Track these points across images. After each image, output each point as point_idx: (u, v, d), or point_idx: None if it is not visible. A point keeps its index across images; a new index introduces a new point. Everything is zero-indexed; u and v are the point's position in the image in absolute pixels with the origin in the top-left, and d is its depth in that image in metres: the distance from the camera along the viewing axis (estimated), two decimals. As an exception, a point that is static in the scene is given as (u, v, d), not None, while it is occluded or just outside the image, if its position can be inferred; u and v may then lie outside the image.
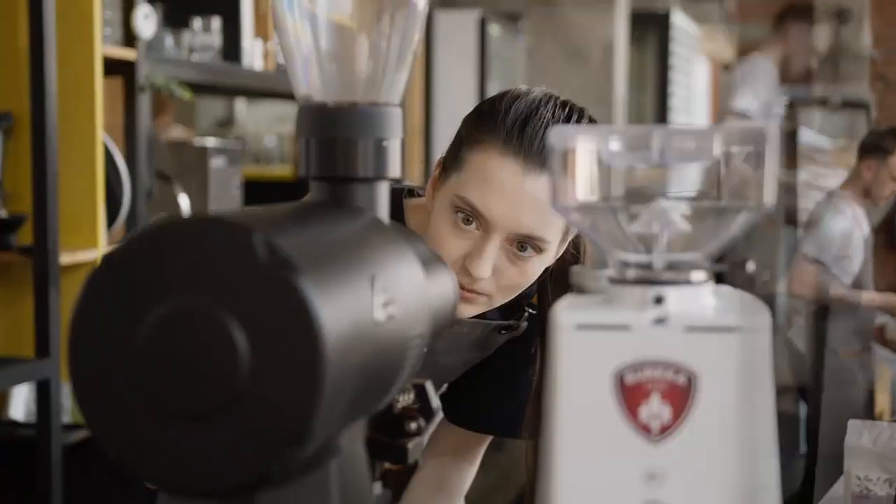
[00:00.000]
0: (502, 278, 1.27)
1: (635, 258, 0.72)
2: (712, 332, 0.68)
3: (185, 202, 2.91)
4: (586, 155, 0.72)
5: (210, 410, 0.61)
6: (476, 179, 1.24)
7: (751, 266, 3.48)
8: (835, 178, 4.52)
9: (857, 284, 4.35)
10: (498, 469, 3.14)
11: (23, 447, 2.40)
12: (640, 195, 0.74)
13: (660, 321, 0.68)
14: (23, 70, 2.37)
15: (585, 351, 0.69)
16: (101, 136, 2.48)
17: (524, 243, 1.25)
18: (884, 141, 4.38)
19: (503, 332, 1.42)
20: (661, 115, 7.44)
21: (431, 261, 0.86)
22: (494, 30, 5.22)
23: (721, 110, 4.54)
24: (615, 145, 0.71)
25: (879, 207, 4.25)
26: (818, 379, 4.16)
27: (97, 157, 2.48)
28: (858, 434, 1.92)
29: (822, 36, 4.55)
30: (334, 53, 0.82)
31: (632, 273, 0.72)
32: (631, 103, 6.80)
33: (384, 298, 0.70)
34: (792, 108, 4.55)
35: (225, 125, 5.58)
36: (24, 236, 2.38)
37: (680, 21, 7.50)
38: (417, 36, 0.85)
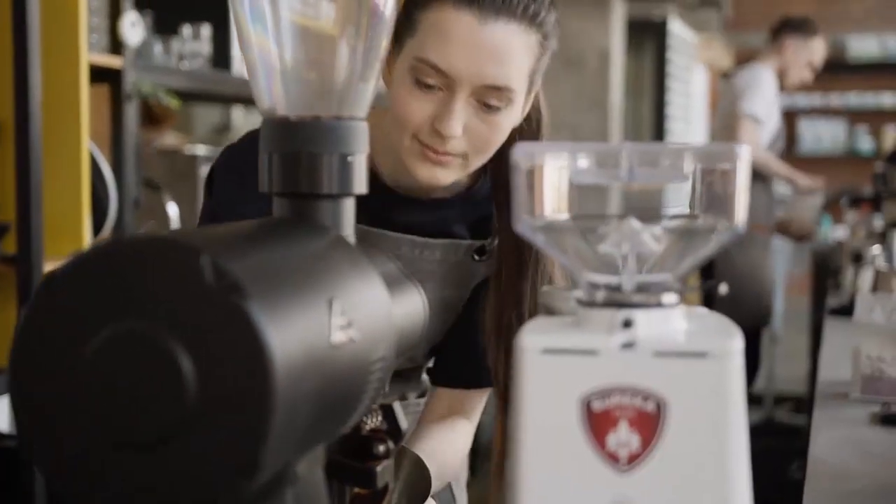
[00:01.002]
0: (473, 136, 1.24)
1: (604, 279, 0.70)
2: (682, 357, 0.65)
3: (173, 211, 2.89)
4: (553, 172, 0.69)
5: (155, 438, 0.59)
6: (433, 37, 1.22)
7: (723, 288, 3.47)
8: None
9: (772, 149, 4.52)
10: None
11: (6, 457, 2.38)
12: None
13: (628, 346, 0.66)
14: (7, 77, 2.35)
15: (551, 376, 0.67)
16: (86, 143, 2.46)
17: (490, 98, 1.22)
18: (806, 24, 4.50)
19: (476, 256, 1.39)
20: (659, 122, 7.42)
21: (398, 279, 0.83)
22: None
23: (721, 113, 4.55)
24: (583, 163, 0.69)
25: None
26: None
27: (83, 164, 2.45)
28: (869, 308, 1.80)
29: (821, 49, 4.57)
30: (298, 66, 0.80)
31: (601, 295, 0.69)
32: (628, 111, 6.78)
33: (343, 321, 0.68)
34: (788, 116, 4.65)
35: (221, 132, 5.56)
36: (8, 245, 2.35)
37: (677, 29, 7.49)
38: (384, 45, 0.83)
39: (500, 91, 1.22)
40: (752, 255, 4.39)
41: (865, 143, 10.04)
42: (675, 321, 0.68)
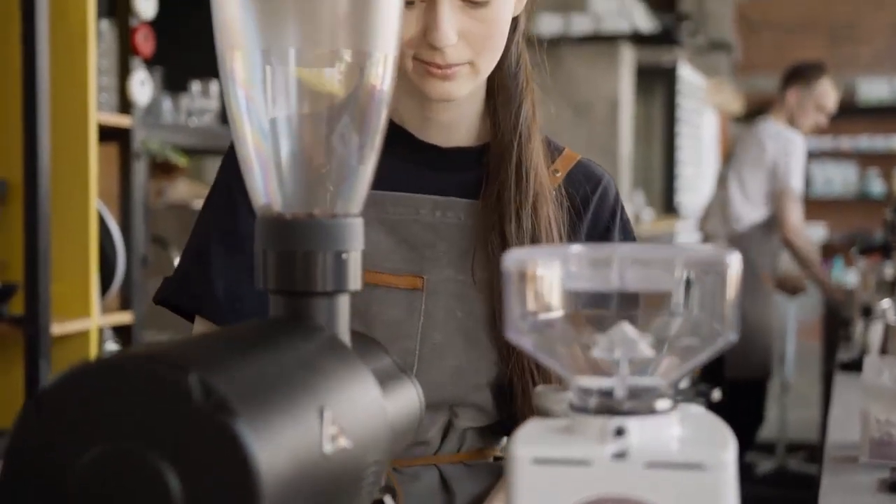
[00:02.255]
0: (471, 38, 1.16)
1: (596, 383, 0.69)
2: (675, 469, 0.65)
3: (181, 267, 2.89)
4: (544, 278, 0.69)
5: (143, 558, 0.58)
6: None
7: (716, 395, 3.51)
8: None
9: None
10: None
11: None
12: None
13: (620, 456, 0.65)
14: (17, 138, 2.36)
15: (543, 486, 0.66)
16: (94, 203, 2.47)
17: None
18: (808, 71, 4.50)
19: None
20: (669, 167, 7.42)
21: (392, 374, 0.83)
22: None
23: (745, 166, 4.53)
24: (574, 268, 0.69)
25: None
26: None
27: (91, 225, 2.46)
28: (877, 371, 1.77)
29: (829, 92, 4.57)
30: (293, 164, 0.80)
31: (593, 401, 0.69)
32: (638, 156, 6.79)
33: (334, 430, 0.67)
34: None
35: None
36: (16, 306, 2.36)
37: (687, 74, 7.51)
38: (378, 139, 0.83)
39: None
40: (759, 305, 4.38)
41: (876, 186, 10.03)
42: (668, 428, 0.68)
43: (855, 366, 2.78)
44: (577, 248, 0.71)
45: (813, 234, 10.12)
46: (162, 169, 3.44)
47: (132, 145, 2.63)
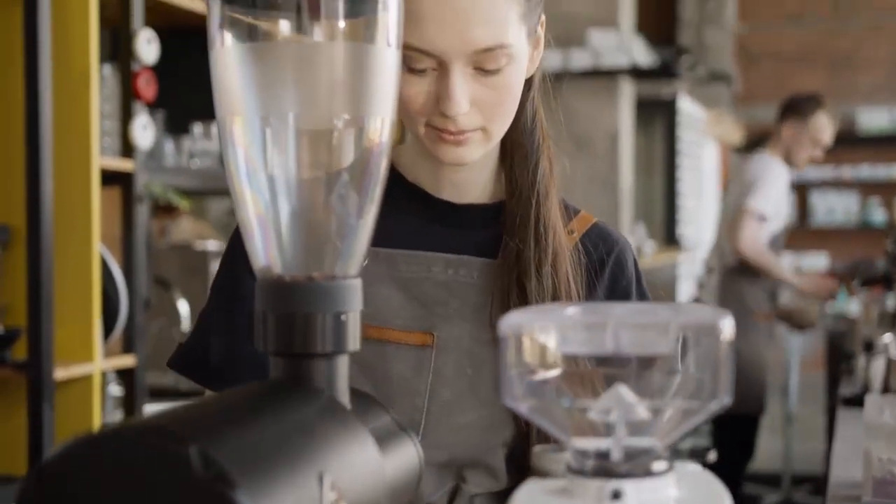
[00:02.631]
0: (483, 106, 1.15)
1: (593, 445, 0.70)
2: (671, 531, 0.66)
3: (184, 308, 2.90)
4: (539, 342, 0.70)
5: None
6: (406, 20, 1.13)
7: (712, 456, 3.52)
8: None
9: (773, 246, 4.49)
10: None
11: None
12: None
13: (617, 519, 0.66)
14: (20, 183, 2.38)
15: (541, 550, 0.67)
16: (97, 248, 2.48)
17: (486, 62, 1.13)
18: (803, 104, 4.48)
19: None
20: (670, 199, 7.44)
21: (391, 433, 0.84)
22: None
23: (732, 199, 4.54)
24: (569, 332, 0.69)
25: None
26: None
27: (93, 269, 2.47)
28: (878, 409, 1.76)
29: (826, 126, 4.58)
30: (293, 227, 0.81)
31: (589, 463, 0.69)
32: (639, 188, 6.80)
33: (334, 495, 0.68)
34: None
35: (234, 214, 5.61)
36: (19, 350, 2.37)
37: (686, 106, 7.54)
38: (376, 200, 0.84)
39: (494, 51, 1.12)
40: (753, 343, 4.37)
41: (878, 215, 10.05)
42: (665, 489, 0.68)
43: (858, 401, 2.78)
44: (572, 311, 0.72)
45: (815, 263, 10.15)
46: (165, 208, 3.45)
47: (134, 189, 2.64)
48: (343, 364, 0.81)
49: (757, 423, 4.54)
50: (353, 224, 0.82)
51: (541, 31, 1.23)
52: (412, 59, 1.13)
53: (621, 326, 0.69)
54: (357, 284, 0.82)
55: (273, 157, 0.80)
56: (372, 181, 0.83)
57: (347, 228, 0.82)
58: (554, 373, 0.71)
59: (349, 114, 0.80)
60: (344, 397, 0.81)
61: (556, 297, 1.21)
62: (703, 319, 0.69)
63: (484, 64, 1.13)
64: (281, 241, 0.81)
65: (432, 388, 1.21)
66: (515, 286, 1.22)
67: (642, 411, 0.70)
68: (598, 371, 0.71)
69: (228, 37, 0.79)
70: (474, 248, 1.25)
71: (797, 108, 4.49)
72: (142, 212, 2.67)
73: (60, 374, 2.39)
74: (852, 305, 8.12)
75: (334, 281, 0.80)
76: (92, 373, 2.49)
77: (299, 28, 0.85)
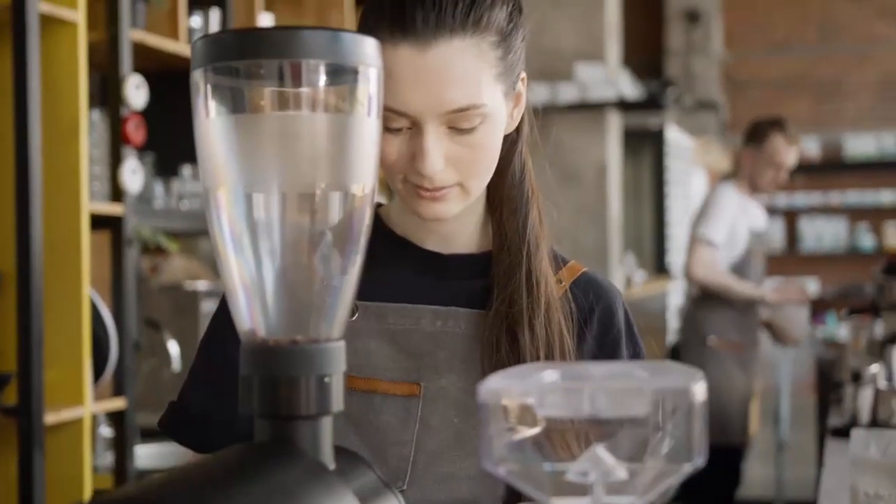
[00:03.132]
0: (459, 163, 1.16)
1: (573, 506, 0.72)
2: None
3: (174, 349, 2.91)
4: (518, 407, 0.72)
5: None
6: (384, 82, 1.16)
7: None
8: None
9: (739, 273, 4.40)
10: None
11: None
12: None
13: (595, 582, 0.68)
14: (9, 228, 2.40)
15: None
16: (87, 292, 2.49)
17: (460, 121, 1.14)
18: (759, 129, 4.44)
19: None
20: (659, 227, 7.48)
21: (376, 491, 0.85)
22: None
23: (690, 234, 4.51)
24: (548, 398, 0.71)
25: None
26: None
27: (83, 314, 2.49)
28: (864, 444, 1.76)
29: (782, 148, 4.46)
30: (276, 292, 0.83)
31: (569, 525, 0.71)
32: (629, 217, 6.84)
33: (318, 560, 0.70)
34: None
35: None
36: (9, 396, 2.37)
37: (674, 136, 7.59)
38: (359, 265, 0.86)
39: (467, 111, 1.14)
40: (724, 373, 4.33)
41: (867, 241, 10.10)
42: (641, 550, 0.70)
43: (846, 431, 2.79)
44: (550, 375, 0.74)
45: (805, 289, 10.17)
46: (156, 246, 3.47)
47: (124, 233, 2.66)
48: (327, 425, 0.83)
49: (741, 453, 4.53)
50: (336, 288, 0.84)
51: (521, 88, 1.24)
52: (387, 118, 1.15)
53: (598, 390, 0.71)
54: (340, 347, 0.84)
55: (257, 225, 0.82)
56: (353, 245, 0.85)
57: (330, 292, 0.84)
58: (532, 436, 0.73)
59: (331, 182, 0.82)
60: (328, 458, 0.82)
61: (549, 348, 1.22)
62: (676, 384, 0.71)
63: (458, 123, 1.15)
64: (265, 305, 0.83)
65: (418, 438, 1.22)
66: (506, 337, 1.22)
67: (620, 472, 0.71)
68: (576, 432, 0.73)
69: (213, 108, 0.81)
70: (463, 299, 1.26)
71: (753, 133, 4.46)
72: (131, 255, 2.68)
73: (51, 418, 2.39)
74: (841, 331, 8.15)
75: (318, 344, 0.82)
76: (82, 416, 2.49)
77: (282, 98, 0.88)
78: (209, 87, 0.81)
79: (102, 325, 2.57)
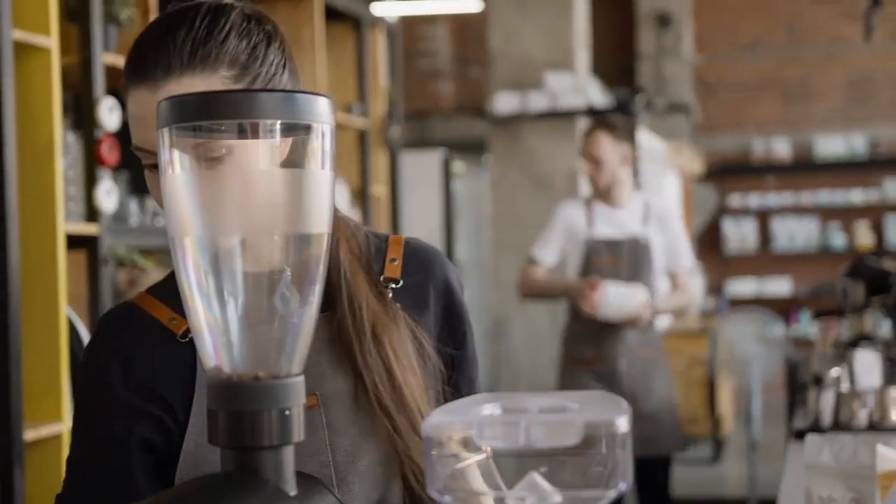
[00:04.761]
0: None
1: (512, 529, 0.79)
2: None
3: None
4: (459, 440, 0.79)
5: None
6: (130, 123, 1.22)
7: None
8: None
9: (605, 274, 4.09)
10: None
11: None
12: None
13: None
14: (-14, 250, 2.45)
15: None
16: (64, 311, 2.55)
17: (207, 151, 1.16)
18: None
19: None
20: (632, 231, 7.55)
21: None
22: (458, 167, 5.35)
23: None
24: (486, 431, 0.78)
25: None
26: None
27: (61, 332, 2.54)
28: (818, 450, 1.82)
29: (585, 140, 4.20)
30: (239, 331, 0.89)
31: (507, 546, 0.78)
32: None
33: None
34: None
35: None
36: (-12, 414, 2.43)
37: (646, 140, 7.67)
38: (315, 306, 0.92)
39: (205, 145, 1.15)
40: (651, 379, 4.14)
41: (838, 240, 10.23)
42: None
43: (807, 433, 2.86)
44: (488, 410, 0.81)
45: (777, 288, 10.31)
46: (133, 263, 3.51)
47: (100, 252, 2.72)
48: (289, 454, 0.90)
49: (669, 465, 4.34)
50: (295, 325, 0.91)
51: None
52: (143, 157, 1.22)
53: (533, 423, 0.78)
54: (300, 381, 0.90)
55: (220, 269, 0.89)
56: (311, 285, 0.91)
57: (290, 330, 0.91)
58: (473, 466, 0.80)
59: (289, 228, 0.89)
60: (290, 484, 0.89)
61: (388, 369, 1.27)
62: (603, 416, 0.78)
63: (205, 156, 1.20)
64: (229, 344, 0.90)
65: (331, 441, 1.28)
66: (347, 361, 1.28)
67: (555, 497, 0.78)
68: (512, 461, 0.80)
69: (177, 163, 0.88)
70: None
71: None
72: (107, 274, 2.74)
73: (30, 435, 2.45)
74: (813, 330, 8.26)
75: (279, 380, 0.89)
76: (61, 432, 2.55)
77: (241, 154, 0.94)
78: (174, 144, 0.87)
79: (80, 342, 2.62)
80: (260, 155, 0.88)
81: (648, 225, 4.12)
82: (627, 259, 4.12)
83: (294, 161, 0.89)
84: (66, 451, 2.58)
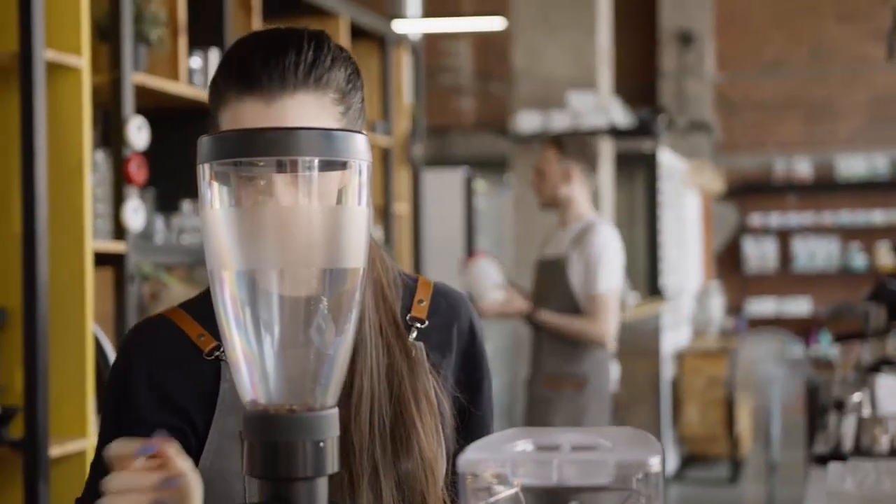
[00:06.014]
0: None
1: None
2: None
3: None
4: (493, 476, 0.80)
5: None
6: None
7: None
8: None
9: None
10: None
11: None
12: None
13: None
14: (15, 266, 2.47)
15: None
16: (90, 328, 2.57)
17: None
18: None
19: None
20: (652, 250, 7.55)
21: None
22: (480, 185, 5.38)
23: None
24: (520, 469, 0.79)
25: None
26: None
27: (87, 349, 2.56)
28: (841, 478, 1.83)
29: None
30: (276, 367, 0.91)
31: (539, 582, 0.79)
32: (623, 240, 6.90)
33: None
34: None
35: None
36: (15, 429, 2.45)
37: (667, 158, 7.67)
38: (350, 339, 0.93)
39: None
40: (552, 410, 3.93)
41: (859, 260, 10.19)
42: None
43: (829, 459, 2.85)
44: (521, 447, 0.82)
45: (797, 308, 10.27)
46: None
47: (126, 270, 2.74)
48: (322, 485, 0.91)
49: None
50: (331, 357, 0.92)
51: None
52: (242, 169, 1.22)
53: (566, 462, 0.79)
54: (334, 413, 0.92)
55: (258, 303, 0.91)
56: (346, 318, 0.93)
57: (325, 362, 0.92)
58: (505, 497, 0.81)
59: (325, 263, 0.91)
60: (324, 519, 0.90)
61: (347, 393, 1.24)
62: (636, 457, 0.79)
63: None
64: (265, 376, 0.91)
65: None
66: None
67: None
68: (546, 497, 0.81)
69: (217, 199, 0.90)
70: None
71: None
72: (133, 291, 2.76)
73: (56, 451, 2.47)
74: (834, 350, 8.22)
75: (314, 412, 0.91)
76: (85, 449, 2.57)
77: (280, 191, 0.96)
78: (214, 181, 0.89)
79: (105, 359, 2.64)
80: (298, 191, 0.90)
81: (575, 246, 3.98)
82: (542, 278, 4.05)
83: (331, 197, 0.91)
84: (89, 469, 2.60)
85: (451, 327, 1.36)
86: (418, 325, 1.33)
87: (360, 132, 1.28)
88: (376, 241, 1.35)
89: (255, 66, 1.20)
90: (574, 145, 4.11)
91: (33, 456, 2.38)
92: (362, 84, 1.29)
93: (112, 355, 2.67)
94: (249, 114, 1.20)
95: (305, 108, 1.21)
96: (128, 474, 1.00)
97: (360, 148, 0.90)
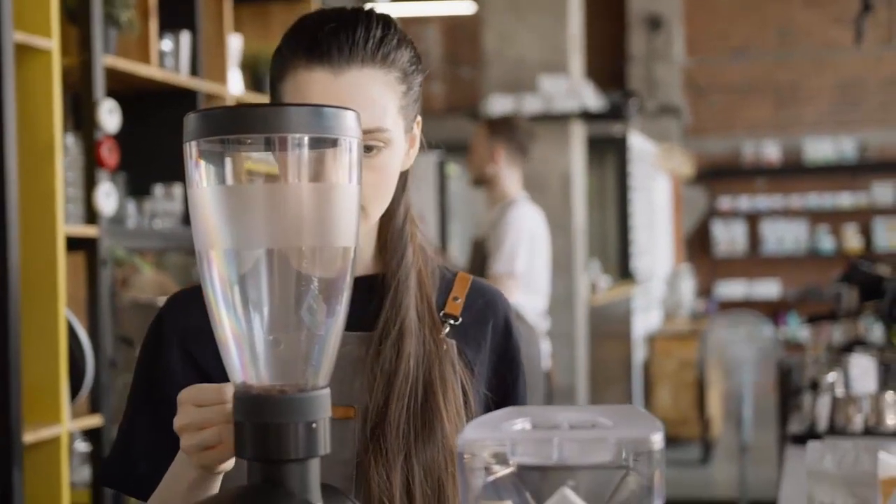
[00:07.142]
0: (364, 185, 1.15)
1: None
2: None
3: (148, 366, 2.95)
4: (492, 455, 0.79)
5: None
6: (294, 102, 1.22)
7: None
8: None
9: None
10: None
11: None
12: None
13: None
14: (-14, 251, 2.44)
15: None
16: (63, 313, 2.54)
17: (365, 141, 1.18)
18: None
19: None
20: (623, 233, 7.58)
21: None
22: (453, 169, 5.35)
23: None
24: (519, 447, 0.78)
25: None
26: None
27: (60, 334, 2.53)
28: (820, 456, 1.84)
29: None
30: (265, 346, 0.89)
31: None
32: (594, 224, 6.92)
33: None
34: None
35: (194, 265, 5.64)
36: (-13, 416, 2.42)
37: (637, 142, 7.69)
38: (341, 320, 0.92)
39: (374, 133, 1.21)
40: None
41: (827, 243, 10.26)
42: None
43: (805, 439, 2.86)
44: (519, 426, 0.81)
45: (766, 290, 10.35)
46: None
47: (99, 254, 2.71)
48: (315, 466, 0.90)
49: None
50: (321, 337, 0.91)
51: (417, 131, 1.32)
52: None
53: (566, 440, 0.78)
54: (326, 394, 0.91)
55: (246, 282, 0.89)
56: (337, 298, 0.92)
57: (316, 342, 0.91)
58: (505, 481, 0.80)
59: (315, 242, 0.89)
60: (315, 497, 0.89)
61: (392, 373, 1.25)
62: (637, 434, 0.78)
63: (364, 143, 1.20)
64: (255, 357, 0.90)
65: (358, 457, 1.26)
66: (387, 380, 1.27)
67: (585, 512, 0.78)
68: (545, 478, 0.80)
69: (204, 177, 0.88)
70: (354, 321, 1.18)
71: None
72: (106, 276, 2.73)
73: (29, 437, 2.44)
74: (803, 332, 8.27)
75: (304, 393, 0.89)
76: (59, 434, 2.54)
77: (268, 168, 0.94)
78: (201, 158, 0.87)
79: (79, 344, 2.61)
80: (287, 168, 0.88)
81: (493, 226, 4.05)
82: (473, 258, 4.15)
83: (321, 174, 0.89)
84: (65, 454, 2.58)
85: (487, 324, 1.36)
86: (451, 321, 1.32)
87: (416, 122, 1.30)
88: (423, 233, 1.36)
89: (327, 38, 1.22)
90: (503, 126, 4.16)
91: (7, 442, 2.35)
92: (423, 69, 1.31)
93: (85, 340, 2.64)
94: (317, 85, 1.21)
95: (372, 82, 1.23)
96: (204, 409, 1.00)
97: (350, 125, 0.89)
